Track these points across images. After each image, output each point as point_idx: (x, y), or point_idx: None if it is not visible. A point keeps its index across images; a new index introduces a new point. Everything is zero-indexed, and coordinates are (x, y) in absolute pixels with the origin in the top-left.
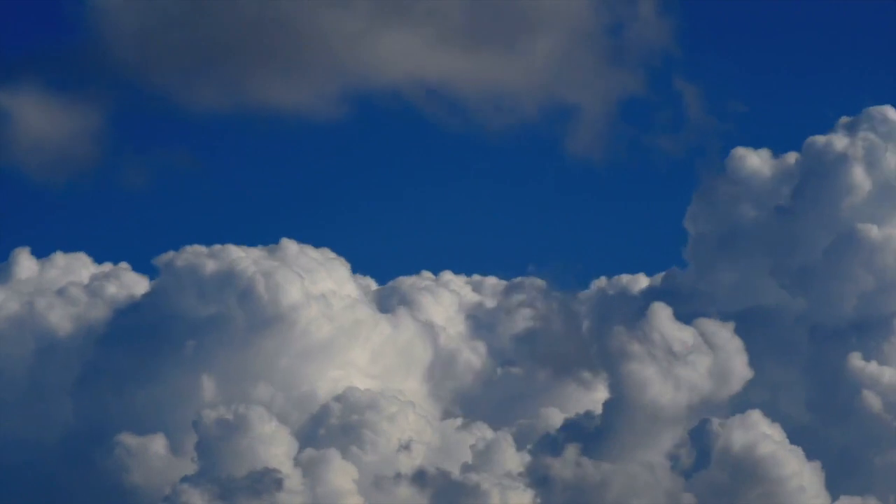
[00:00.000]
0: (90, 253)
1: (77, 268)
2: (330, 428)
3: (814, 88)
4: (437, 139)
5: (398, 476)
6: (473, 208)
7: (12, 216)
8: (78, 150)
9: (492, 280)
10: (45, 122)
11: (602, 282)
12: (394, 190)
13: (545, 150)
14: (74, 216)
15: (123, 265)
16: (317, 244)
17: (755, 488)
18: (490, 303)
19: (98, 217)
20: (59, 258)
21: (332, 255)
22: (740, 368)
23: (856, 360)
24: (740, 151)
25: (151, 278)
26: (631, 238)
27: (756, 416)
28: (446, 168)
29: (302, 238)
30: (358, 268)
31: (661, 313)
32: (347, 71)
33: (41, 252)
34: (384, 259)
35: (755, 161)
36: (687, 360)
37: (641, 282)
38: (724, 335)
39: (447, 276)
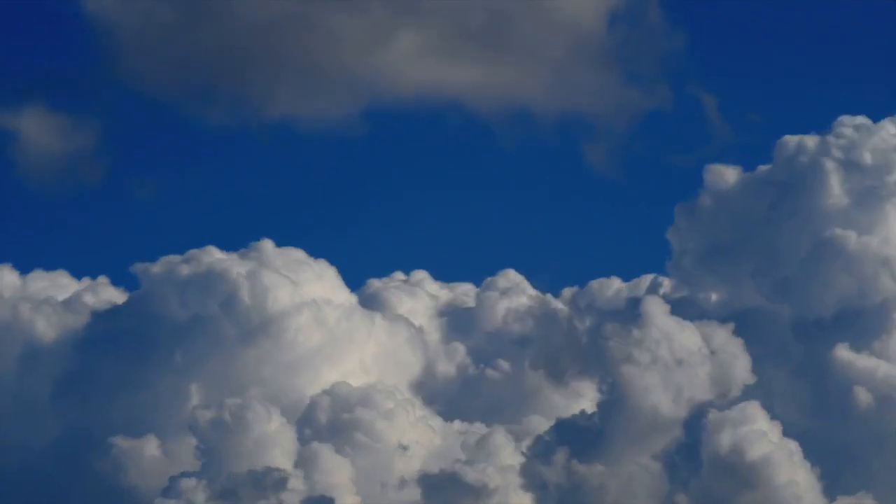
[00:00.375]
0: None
1: (62, 283)
2: (326, 425)
3: (825, 93)
4: (443, 147)
5: (396, 475)
6: (469, 214)
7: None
8: (82, 167)
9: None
10: (49, 139)
11: (574, 288)
12: (386, 196)
13: (560, 160)
14: (70, 231)
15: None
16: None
17: (751, 490)
18: (469, 303)
19: (98, 230)
20: (40, 275)
21: (316, 258)
22: (741, 370)
23: (844, 354)
24: (716, 167)
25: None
26: (627, 245)
27: (753, 408)
28: (446, 174)
29: (288, 244)
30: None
31: (657, 310)
32: (357, 81)
33: (25, 268)
34: (360, 263)
35: (731, 175)
36: (683, 361)
37: (619, 287)
38: (722, 336)
39: (420, 275)
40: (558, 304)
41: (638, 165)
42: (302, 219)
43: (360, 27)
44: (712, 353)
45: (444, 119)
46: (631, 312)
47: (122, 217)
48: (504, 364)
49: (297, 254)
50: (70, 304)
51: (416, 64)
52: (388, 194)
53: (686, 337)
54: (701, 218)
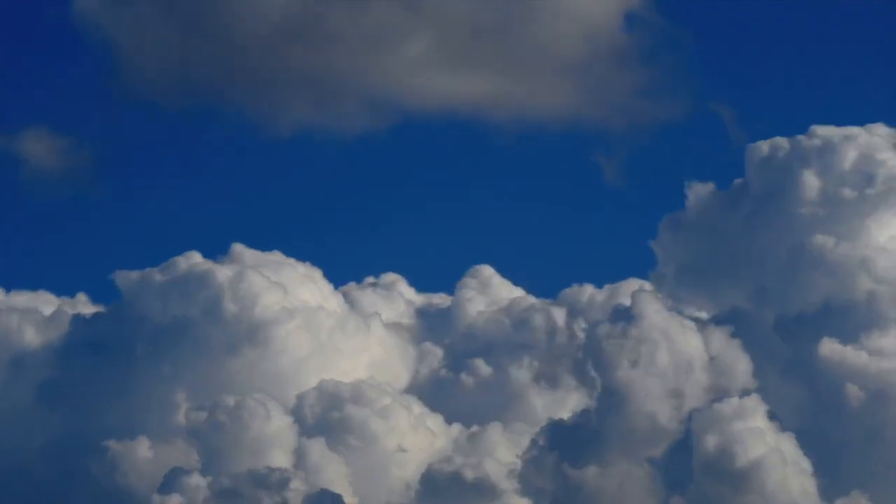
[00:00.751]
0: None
1: (45, 299)
2: (322, 423)
3: (835, 99)
4: (444, 152)
5: (393, 474)
6: (466, 219)
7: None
8: (82, 186)
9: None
10: (49, 159)
11: (567, 291)
12: (378, 201)
13: (565, 165)
14: (58, 248)
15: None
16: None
17: (746, 492)
18: (442, 303)
19: (93, 246)
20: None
21: (298, 261)
22: (737, 372)
23: (831, 353)
24: (697, 185)
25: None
26: (619, 253)
27: (749, 410)
28: (448, 180)
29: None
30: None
31: (652, 311)
32: (362, 88)
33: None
34: (350, 266)
35: (710, 190)
36: (679, 362)
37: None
38: (718, 338)
39: (392, 278)
40: (550, 307)
41: (645, 174)
42: (294, 224)
43: (363, 32)
44: (711, 357)
45: (447, 125)
46: (626, 314)
47: (111, 233)
48: (496, 365)
49: (277, 256)
50: (56, 315)
51: (418, 71)
52: (380, 200)
53: (683, 338)
54: (685, 232)
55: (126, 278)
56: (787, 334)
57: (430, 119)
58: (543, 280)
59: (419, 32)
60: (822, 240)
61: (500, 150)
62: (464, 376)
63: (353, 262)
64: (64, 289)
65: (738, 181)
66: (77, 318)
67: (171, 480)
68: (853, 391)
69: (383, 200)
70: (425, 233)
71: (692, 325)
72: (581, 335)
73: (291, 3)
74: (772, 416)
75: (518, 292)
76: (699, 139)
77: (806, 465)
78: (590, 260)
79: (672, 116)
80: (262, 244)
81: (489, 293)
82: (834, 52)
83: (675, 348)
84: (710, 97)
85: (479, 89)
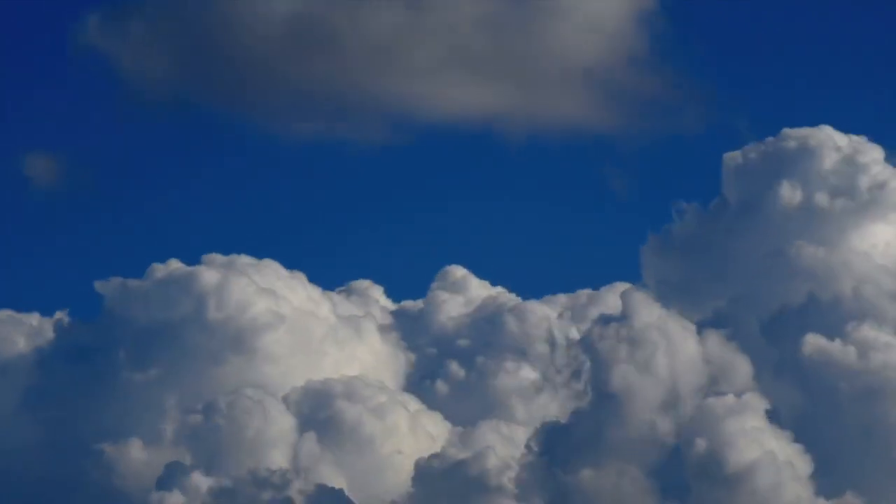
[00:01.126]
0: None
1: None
2: (319, 421)
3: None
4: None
5: (391, 474)
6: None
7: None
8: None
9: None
10: (50, 178)
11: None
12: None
13: (565, 171)
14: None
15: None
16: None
17: (743, 495)
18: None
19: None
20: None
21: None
22: (732, 375)
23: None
24: (681, 203)
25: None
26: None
27: (745, 412)
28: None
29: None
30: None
31: (645, 311)
32: (369, 91)
33: None
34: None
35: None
36: (674, 363)
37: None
38: (716, 339)
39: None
40: (543, 308)
41: (651, 181)
42: (281, 231)
43: (367, 39)
44: (707, 360)
45: (453, 132)
46: (620, 315)
47: (112, 245)
48: (488, 366)
49: (251, 260)
50: (44, 325)
51: (422, 77)
52: (379, 205)
53: (678, 340)
54: (671, 247)
55: (108, 286)
56: (771, 333)
57: (435, 125)
58: (540, 282)
59: (424, 39)
60: (802, 245)
61: (501, 153)
62: (454, 377)
63: (339, 266)
64: (49, 307)
65: (717, 199)
66: (60, 325)
67: (168, 476)
68: (841, 385)
69: (383, 205)
70: (403, 236)
71: (691, 326)
72: (576, 337)
73: (293, 12)
74: (770, 415)
75: (511, 296)
76: (710, 146)
77: (802, 465)
78: (589, 263)
79: (683, 123)
80: (248, 252)
81: (464, 294)
82: (851, 56)
83: (670, 349)
84: (724, 103)
85: (484, 95)
